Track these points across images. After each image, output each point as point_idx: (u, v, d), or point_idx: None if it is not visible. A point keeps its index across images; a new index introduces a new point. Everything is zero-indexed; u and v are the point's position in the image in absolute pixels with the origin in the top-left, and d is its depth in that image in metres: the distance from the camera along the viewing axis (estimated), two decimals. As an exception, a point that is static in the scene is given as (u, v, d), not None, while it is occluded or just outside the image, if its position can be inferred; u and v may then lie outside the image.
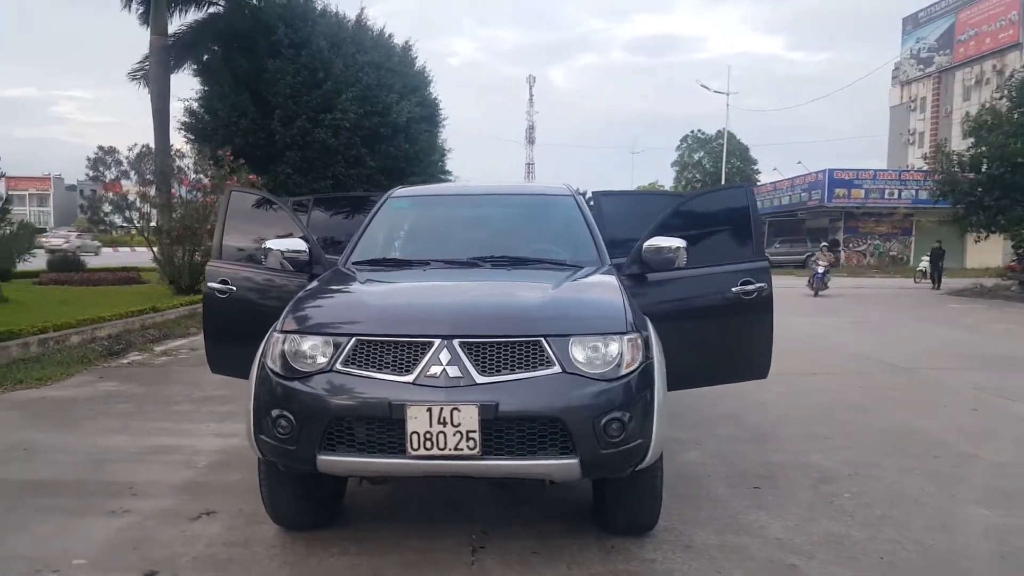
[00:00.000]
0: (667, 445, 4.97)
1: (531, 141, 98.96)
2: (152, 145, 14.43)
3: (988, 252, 29.75)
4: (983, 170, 20.46)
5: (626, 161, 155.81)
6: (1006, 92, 21.36)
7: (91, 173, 13.63)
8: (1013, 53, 39.17)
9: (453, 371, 2.92)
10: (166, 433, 5.24)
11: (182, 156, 15.32)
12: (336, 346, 3.04)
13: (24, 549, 3.32)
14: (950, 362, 8.93)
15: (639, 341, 3.15)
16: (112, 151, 13.63)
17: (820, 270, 21.27)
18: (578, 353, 3.01)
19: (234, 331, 4.32)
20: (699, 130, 60.39)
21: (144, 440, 5.04)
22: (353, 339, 3.03)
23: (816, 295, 20.40)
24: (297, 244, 4.12)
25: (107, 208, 14.20)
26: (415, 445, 2.86)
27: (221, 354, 4.50)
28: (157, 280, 15.82)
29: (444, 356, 2.94)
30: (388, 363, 2.98)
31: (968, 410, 6.26)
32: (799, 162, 46.58)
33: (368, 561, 3.22)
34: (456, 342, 2.97)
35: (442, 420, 2.84)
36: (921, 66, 48.91)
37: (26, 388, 6.59)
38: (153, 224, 14.58)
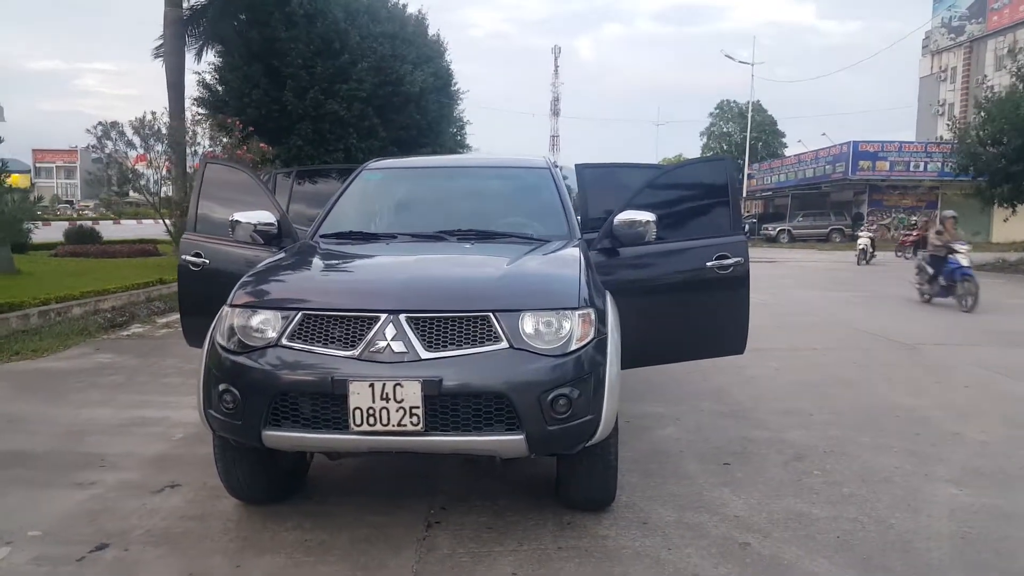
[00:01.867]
0: (645, 420, 5.02)
1: (556, 113, 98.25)
2: (154, 114, 14.42)
3: (1016, 226, 29.06)
4: (1004, 142, 19.86)
5: (651, 133, 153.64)
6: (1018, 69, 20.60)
7: (94, 150, 13.69)
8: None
9: (398, 346, 2.90)
10: (150, 405, 5.30)
11: (199, 123, 15.37)
12: (284, 320, 3.03)
13: (-17, 518, 3.38)
14: (955, 337, 8.76)
15: (591, 316, 3.11)
16: (115, 124, 13.68)
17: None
18: (527, 328, 2.97)
19: (209, 304, 4.31)
20: (733, 101, 59.26)
21: (127, 412, 5.11)
22: (300, 313, 3.02)
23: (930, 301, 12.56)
24: (265, 216, 4.10)
25: (114, 181, 14.28)
26: (358, 421, 2.85)
27: (197, 327, 4.50)
28: (172, 252, 15.98)
29: (389, 331, 2.92)
30: (333, 338, 2.96)
31: (960, 387, 6.14)
32: (823, 134, 45.74)
33: (320, 536, 3.23)
34: (402, 317, 2.95)
35: (385, 396, 2.83)
36: (952, 35, 47.58)
37: (22, 359, 6.70)
38: (165, 196, 14.70)
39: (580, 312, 3.06)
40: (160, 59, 19.54)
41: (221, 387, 3.03)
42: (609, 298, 3.54)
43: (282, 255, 3.71)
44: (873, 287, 15.21)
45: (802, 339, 8.52)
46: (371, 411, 2.84)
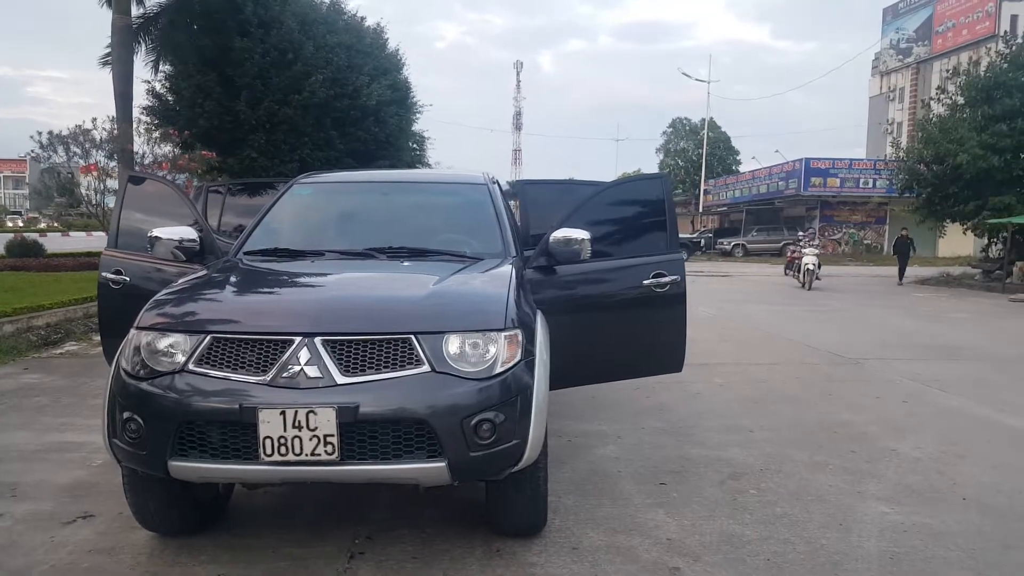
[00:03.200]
0: (587, 438, 4.96)
1: (518, 128, 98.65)
2: (95, 120, 14.04)
3: (960, 241, 29.90)
4: (941, 163, 20.45)
5: (611, 148, 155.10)
6: (957, 87, 21.23)
7: (34, 158, 13.29)
8: (988, 44, 39.29)
9: (312, 371, 2.79)
10: (72, 429, 5.08)
11: (144, 132, 15.03)
12: (193, 344, 2.90)
13: None
14: (896, 352, 8.90)
15: (519, 337, 3.03)
16: (59, 136, 13.30)
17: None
18: (451, 351, 2.89)
19: (129, 324, 4.15)
20: (685, 118, 60.21)
21: (47, 436, 4.88)
22: (208, 336, 2.89)
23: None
24: (187, 233, 3.96)
25: (54, 192, 13.87)
26: (269, 451, 2.73)
27: (117, 348, 4.32)
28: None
29: (303, 355, 2.81)
30: (244, 363, 2.84)
31: (899, 402, 6.22)
32: (776, 151, 46.74)
33: (235, 570, 3.09)
34: (318, 340, 2.83)
35: (297, 424, 2.71)
36: (900, 56, 49.11)
37: (-55, 379, 6.40)
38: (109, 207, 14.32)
39: (506, 333, 2.99)
40: (108, 67, 19.10)
41: (125, 415, 2.88)
42: (540, 317, 3.48)
43: (198, 274, 3.56)
44: (821, 301, 15.45)
45: (748, 354, 8.57)
46: (283, 440, 2.72)
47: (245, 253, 3.98)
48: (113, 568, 3.10)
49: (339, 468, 2.78)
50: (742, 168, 53.17)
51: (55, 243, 22.86)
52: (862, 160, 39.47)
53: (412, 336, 2.87)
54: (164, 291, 3.28)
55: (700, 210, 50.42)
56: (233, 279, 3.41)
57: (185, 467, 2.83)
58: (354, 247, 3.97)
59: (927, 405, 6.16)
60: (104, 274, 4.46)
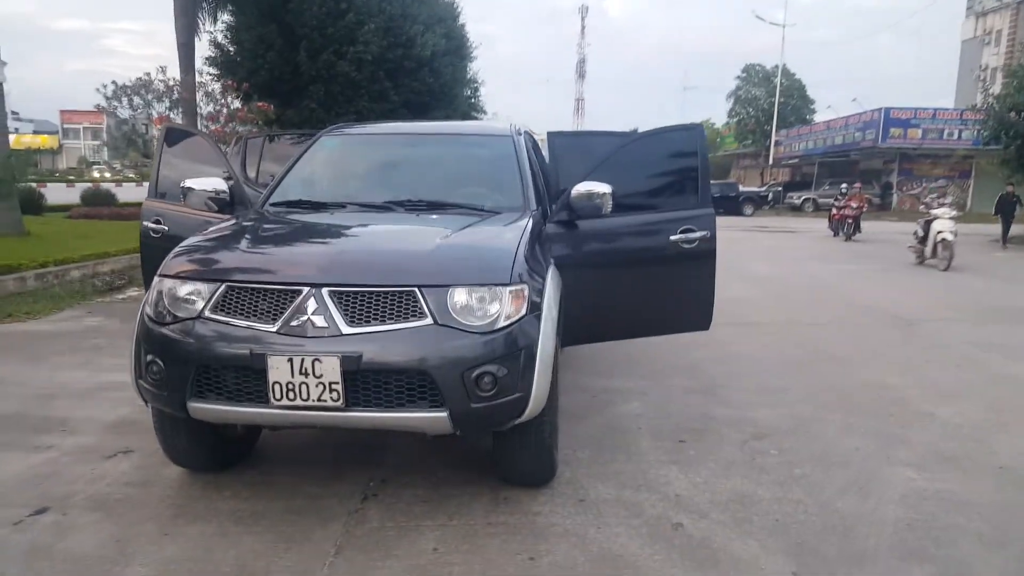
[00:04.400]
0: (610, 395, 4.97)
1: (582, 76, 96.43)
2: (163, 69, 14.44)
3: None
4: None
5: (678, 97, 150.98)
6: None
7: (101, 110, 13.77)
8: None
9: (319, 320, 2.87)
10: (124, 370, 5.24)
11: (201, 86, 15.40)
12: (210, 292, 3.01)
13: (-68, 480, 3.45)
14: (960, 314, 8.54)
15: (524, 292, 3.04)
16: (124, 87, 13.75)
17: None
18: (455, 304, 2.92)
19: None
20: (759, 64, 57.69)
21: (100, 376, 5.17)
22: (223, 285, 3.00)
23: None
24: (218, 184, 4.08)
25: (121, 143, 14.40)
26: (277, 395, 2.84)
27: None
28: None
29: (311, 305, 2.89)
30: (256, 311, 2.94)
31: (951, 367, 5.99)
32: (854, 100, 44.50)
33: (254, 506, 3.25)
34: (325, 291, 2.91)
35: (304, 371, 2.81)
36: (997, -5, 45.79)
37: (12, 322, 6.81)
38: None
39: (512, 288, 3.00)
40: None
41: (148, 357, 3.04)
42: (552, 272, 3.47)
43: (223, 224, 3.67)
44: (892, 256, 14.86)
45: (799, 314, 8.36)
46: (290, 386, 2.82)
47: (271, 204, 4.08)
48: (143, 499, 3.30)
49: (344, 414, 2.87)
50: (817, 118, 50.99)
51: (129, 193, 23.79)
52: (947, 110, 37.29)
53: (416, 289, 2.91)
54: (187, 241, 3.40)
55: (770, 162, 48.78)
56: (253, 230, 3.50)
57: (203, 408, 2.97)
58: (375, 200, 4.02)
59: (980, 371, 5.92)
60: (145, 223, 4.65)
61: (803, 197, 38.55)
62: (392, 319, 2.89)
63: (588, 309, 4.19)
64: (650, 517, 3.23)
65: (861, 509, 3.35)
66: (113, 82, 14.08)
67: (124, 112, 14.96)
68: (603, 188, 3.91)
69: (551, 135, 4.82)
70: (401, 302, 2.91)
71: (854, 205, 19.77)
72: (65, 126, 72.22)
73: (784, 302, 9.20)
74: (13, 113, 76.37)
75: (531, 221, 3.64)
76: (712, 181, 38.37)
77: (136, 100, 14.02)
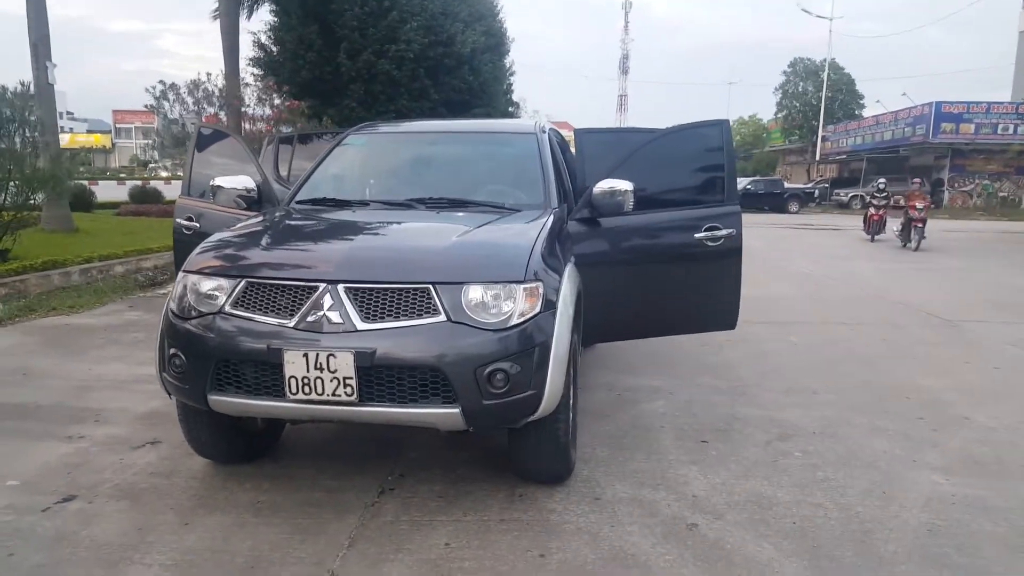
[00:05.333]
0: (636, 393, 4.94)
1: (625, 72, 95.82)
2: (209, 75, 14.77)
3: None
4: None
5: (723, 92, 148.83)
6: None
7: (151, 109, 14.11)
8: None
9: (335, 316, 2.91)
10: (159, 363, 5.49)
11: (245, 86, 15.70)
12: (231, 287, 3.08)
13: (-30, 468, 3.59)
14: (1003, 315, 8.27)
15: (539, 289, 3.05)
16: (173, 86, 14.08)
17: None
18: (468, 301, 2.94)
19: None
20: (807, 58, 56.60)
21: (137, 369, 5.31)
22: (243, 281, 3.07)
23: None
24: (246, 182, 4.16)
25: (167, 143, 14.76)
26: (294, 390, 2.90)
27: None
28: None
29: (327, 301, 2.93)
30: (274, 306, 3.00)
31: (989, 369, 5.81)
32: (904, 94, 43.27)
33: (273, 498, 3.32)
34: (341, 287, 2.95)
35: (319, 366, 2.86)
36: (1055, -16, 44.05)
37: (56, 315, 7.05)
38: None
39: (526, 285, 3.00)
40: (218, 20, 19.90)
41: (171, 351, 3.12)
42: (570, 269, 3.47)
43: (248, 221, 3.75)
44: (934, 259, 14.46)
45: (835, 313, 8.19)
46: (306, 380, 2.88)
47: (297, 202, 4.15)
48: (167, 489, 3.40)
49: (358, 409, 2.91)
50: (865, 113, 49.81)
51: (177, 191, 24.37)
52: (1002, 104, 36.06)
53: (430, 286, 2.94)
54: (211, 238, 3.48)
55: (817, 158, 47.84)
56: (275, 227, 3.57)
57: (223, 401, 3.04)
58: (397, 197, 4.07)
59: (1022, 373, 5.74)
60: (178, 220, 4.77)
61: (850, 194, 37.77)
62: (406, 315, 2.92)
63: (610, 308, 4.18)
64: (665, 517, 3.20)
65: (883, 513, 3.27)
66: (161, 81, 14.37)
67: (174, 112, 15.30)
68: (625, 185, 3.90)
69: (578, 132, 4.80)
70: (415, 299, 2.94)
71: (919, 206, 16.07)
72: (118, 125, 74.33)
73: (821, 301, 9.03)
74: (68, 113, 79.15)
75: (550, 219, 3.64)
76: (757, 177, 37.70)
77: (187, 100, 14.30)
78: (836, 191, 39.21)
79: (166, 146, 17.10)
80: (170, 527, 3.04)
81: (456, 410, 2.90)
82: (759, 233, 19.60)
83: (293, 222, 3.74)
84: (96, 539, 2.93)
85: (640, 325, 4.47)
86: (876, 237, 18.50)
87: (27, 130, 8.47)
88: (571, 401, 3.43)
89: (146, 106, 14.65)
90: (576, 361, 3.69)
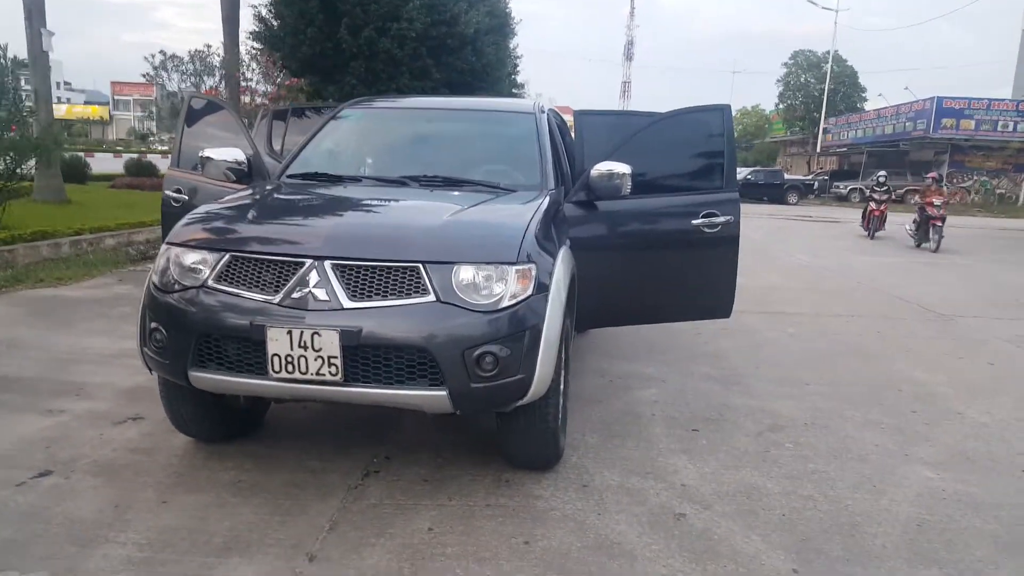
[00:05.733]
0: (629, 380, 4.88)
1: (629, 58, 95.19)
2: (209, 47, 14.61)
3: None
4: None
5: (727, 82, 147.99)
6: None
7: (148, 78, 13.95)
8: None
9: (321, 294, 2.84)
10: (146, 337, 5.41)
11: (253, 59, 15.53)
12: (215, 261, 3.00)
13: (-53, 440, 3.52)
14: (1000, 311, 8.23)
15: (531, 271, 2.97)
16: (173, 57, 13.92)
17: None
18: (458, 282, 2.87)
19: None
20: (809, 50, 56.27)
21: (122, 343, 5.23)
22: (227, 255, 2.99)
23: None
24: (236, 154, 4.07)
25: (164, 115, 14.60)
26: (277, 368, 2.83)
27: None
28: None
29: (313, 278, 2.86)
30: (258, 282, 2.92)
31: (984, 364, 5.77)
32: (906, 88, 43.11)
33: (255, 478, 3.25)
34: (327, 264, 2.87)
35: (303, 344, 2.79)
36: (1061, -20, 43.78)
37: (44, 287, 6.95)
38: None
39: (518, 267, 2.93)
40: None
41: (152, 325, 3.05)
42: (564, 252, 3.39)
43: (236, 195, 3.66)
44: (932, 253, 14.41)
45: (832, 305, 8.14)
46: (289, 358, 2.80)
47: (288, 176, 4.06)
48: (147, 466, 3.33)
49: (342, 389, 2.85)
50: (867, 107, 49.61)
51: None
52: (1003, 100, 35.93)
53: (420, 265, 2.87)
54: (197, 210, 3.40)
55: (818, 150, 47.69)
56: (263, 201, 3.49)
57: (204, 377, 2.97)
58: (391, 174, 3.98)
59: (1016, 369, 5.70)
60: (166, 192, 4.68)
61: (849, 187, 37.66)
62: (394, 295, 2.85)
63: (605, 292, 4.11)
64: (653, 506, 3.15)
65: (872, 507, 3.23)
66: (161, 52, 14.22)
67: (172, 84, 15.14)
68: (623, 168, 3.82)
69: (578, 114, 4.70)
70: (404, 278, 2.86)
71: (936, 202, 14.73)
72: (116, 97, 73.56)
73: (817, 292, 8.98)
74: (65, 83, 78.38)
75: (546, 200, 3.57)
76: (758, 167, 37.48)
77: (186, 71, 14.15)
78: (835, 184, 39.08)
79: (164, 118, 16.98)
80: (147, 505, 2.98)
81: (443, 393, 2.84)
82: (758, 224, 19.53)
83: (282, 196, 3.66)
84: (70, 515, 2.87)
85: (635, 311, 4.40)
86: (876, 234, 16.91)
87: (14, 98, 8.29)
88: (561, 386, 3.37)
89: (144, 75, 14.49)
90: (568, 346, 3.63)
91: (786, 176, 37.81)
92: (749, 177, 35.23)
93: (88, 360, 4.85)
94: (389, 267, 2.88)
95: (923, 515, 3.17)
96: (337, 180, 3.96)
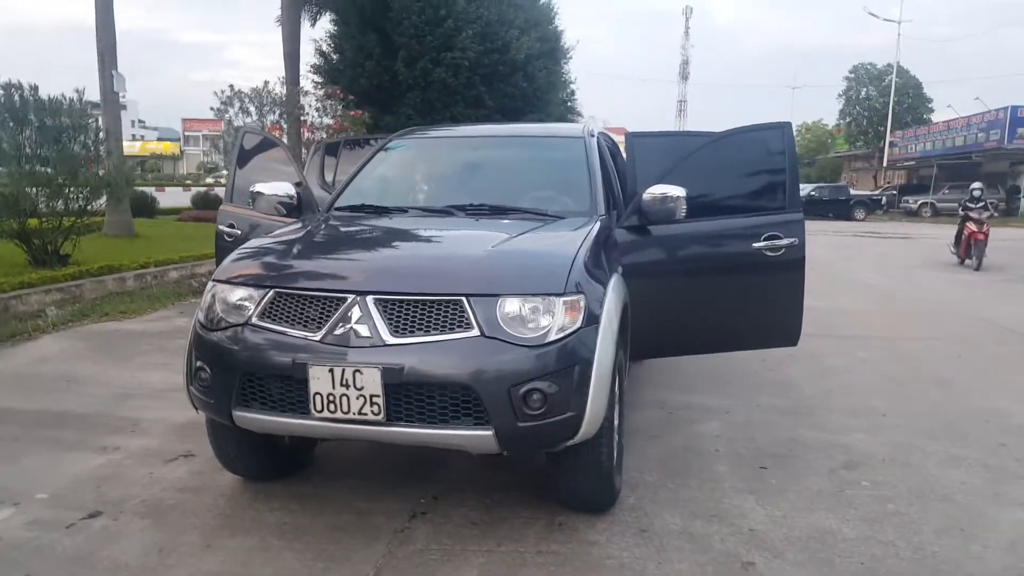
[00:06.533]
0: (690, 412, 4.66)
1: (684, 77, 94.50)
2: (267, 83, 14.98)
3: None
4: None
5: (786, 98, 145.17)
6: None
7: (216, 113, 14.34)
8: None
9: (363, 330, 2.75)
10: (202, 371, 5.44)
11: (305, 94, 15.88)
12: (259, 298, 2.95)
13: (1, 479, 3.54)
14: (1094, 332, 7.66)
15: (580, 303, 2.82)
16: (238, 93, 14.31)
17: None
18: (504, 315, 2.74)
19: None
20: (869, 63, 54.85)
21: (177, 377, 5.08)
22: (271, 291, 2.93)
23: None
24: (286, 188, 4.05)
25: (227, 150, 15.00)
26: (319, 407, 2.74)
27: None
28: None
29: (355, 313, 2.77)
30: (301, 318, 2.85)
31: (1080, 392, 5.33)
32: (977, 98, 41.48)
33: (299, 520, 3.16)
34: (369, 299, 2.79)
35: (344, 382, 2.70)
36: None
37: (107, 320, 7.11)
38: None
39: (566, 298, 2.79)
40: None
41: (198, 363, 3.01)
42: (616, 280, 3.23)
43: (284, 229, 3.63)
44: (1012, 271, 13.65)
45: (906, 327, 7.72)
46: (331, 397, 2.72)
47: (336, 209, 4.02)
48: (194, 506, 3.28)
49: (385, 429, 2.74)
50: (935, 118, 47.89)
51: (238, 196, 24.85)
52: (1085, 107, 34.17)
53: (463, 298, 2.75)
54: (244, 245, 3.37)
55: (884, 164, 46.20)
56: (308, 236, 3.44)
57: (247, 417, 2.91)
58: (437, 204, 3.91)
59: (1116, 397, 5.24)
60: (220, 227, 4.70)
61: (920, 201, 36.30)
62: (437, 330, 2.74)
63: (660, 321, 3.93)
64: (718, 553, 2.93)
65: (961, 555, 2.94)
66: (230, 86, 14.64)
67: (239, 120, 15.55)
68: (677, 191, 3.65)
69: (629, 136, 4.55)
70: (448, 311, 2.75)
71: (976, 217, 13.34)
72: (186, 133, 76.57)
73: (889, 314, 8.54)
74: (140, 121, 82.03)
75: (596, 226, 3.42)
76: (822, 183, 36.63)
77: (250, 108, 14.51)
78: (905, 198, 37.74)
79: (229, 152, 17.46)
80: (191, 549, 2.91)
81: (489, 432, 2.70)
82: (823, 241, 18.92)
83: (327, 230, 3.60)
84: (115, 560, 2.82)
85: (693, 340, 4.19)
86: (983, 264, 13.26)
87: (85, 137, 8.60)
88: (615, 423, 3.19)
89: (212, 109, 14.91)
90: (623, 379, 3.45)
91: (852, 192, 36.72)
92: (813, 193, 34.33)
93: (144, 395, 4.88)
94: (432, 301, 2.77)
95: (1020, 565, 2.87)
96: (383, 212, 3.90)
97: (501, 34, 19.25)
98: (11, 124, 8.07)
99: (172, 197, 24.51)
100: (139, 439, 4.08)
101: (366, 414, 2.71)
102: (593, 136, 4.35)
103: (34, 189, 8.10)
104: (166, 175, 58.49)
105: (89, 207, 8.73)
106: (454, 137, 4.78)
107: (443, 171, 4.39)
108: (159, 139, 75.70)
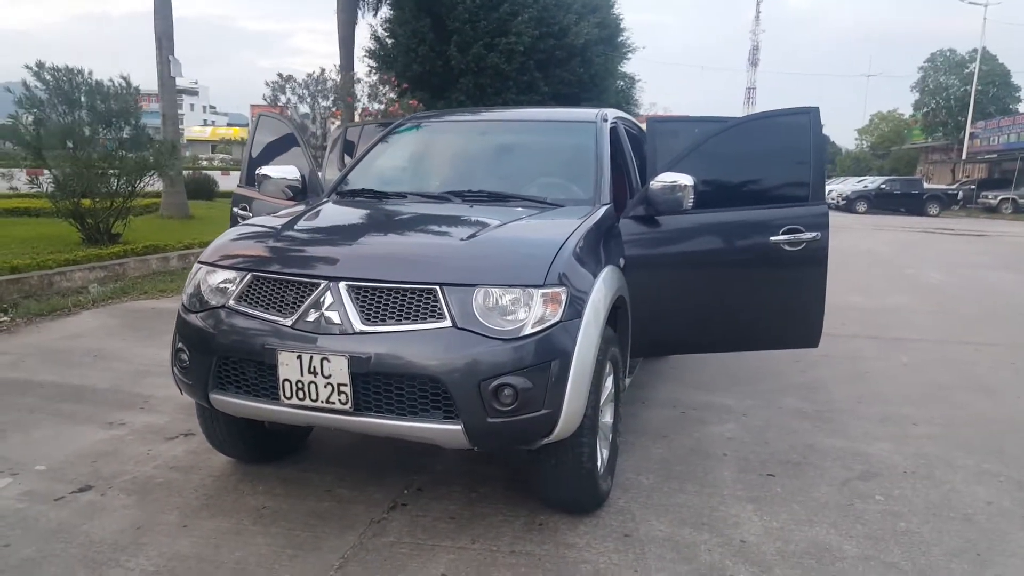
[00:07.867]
0: (705, 412, 4.48)
1: (754, 63, 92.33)
2: (323, 70, 15.11)
3: None
4: None
5: (861, 86, 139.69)
6: None
7: (269, 100, 14.56)
8: None
9: (334, 316, 2.69)
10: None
11: (357, 81, 16.00)
12: (238, 281, 2.92)
13: (7, 450, 3.62)
14: None
15: (561, 296, 2.70)
16: (289, 79, 14.50)
17: None
18: (478, 306, 2.64)
19: None
20: (949, 49, 52.19)
21: (199, 356, 5.33)
22: (249, 275, 2.90)
23: None
24: (291, 172, 4.03)
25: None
26: (288, 393, 2.70)
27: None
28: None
29: (327, 299, 2.72)
30: (275, 303, 2.81)
31: None
32: (1070, 87, 38.97)
33: (281, 504, 3.14)
34: (342, 285, 2.72)
35: (312, 369, 2.65)
36: None
37: (145, 298, 7.29)
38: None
39: (545, 290, 2.67)
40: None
41: (179, 345, 3.00)
42: (608, 273, 3.08)
43: (280, 212, 3.60)
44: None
45: (960, 330, 7.28)
46: (300, 384, 2.67)
47: (337, 194, 3.97)
48: (180, 485, 3.30)
49: (353, 419, 2.68)
50: (1022, 109, 45.33)
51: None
52: None
53: (437, 287, 2.66)
54: (232, 229, 3.35)
55: (963, 157, 44.01)
56: (297, 220, 3.39)
57: (223, 400, 2.90)
58: (436, 190, 3.81)
59: None
60: (234, 209, 4.72)
61: (1000, 197, 34.48)
62: (409, 319, 2.65)
63: (666, 317, 3.77)
64: (701, 565, 2.78)
65: (974, 582, 2.71)
66: (279, 74, 14.85)
67: (303, 107, 15.72)
68: (685, 180, 3.47)
69: (650, 122, 4.37)
70: (420, 301, 2.67)
71: None
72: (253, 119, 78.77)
73: (947, 316, 8.07)
74: (211, 107, 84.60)
75: (592, 216, 3.28)
76: (893, 176, 35.17)
77: (303, 94, 14.68)
78: (984, 193, 35.89)
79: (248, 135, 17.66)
80: (168, 528, 2.92)
81: (458, 427, 2.61)
82: (888, 238, 18.16)
83: (316, 215, 3.55)
84: (92, 535, 2.85)
85: (702, 338, 4.01)
86: None
87: (133, 121, 8.81)
88: (603, 421, 3.06)
89: (264, 97, 15.14)
90: (619, 376, 3.32)
91: (926, 185, 35.16)
92: (883, 187, 33.05)
93: (162, 372, 4.93)
94: (405, 289, 2.69)
95: (1036, 596, 2.63)
96: (382, 197, 3.83)
97: (559, 18, 19.03)
98: (62, 108, 8.32)
99: (234, 180, 25.12)
100: (147, 416, 4.14)
101: (333, 403, 2.66)
102: (607, 121, 4.18)
103: (84, 171, 8.34)
104: (233, 159, 60.04)
105: (136, 189, 8.95)
106: (463, 121, 4.67)
107: (448, 156, 4.29)
108: (229, 124, 78.00)
